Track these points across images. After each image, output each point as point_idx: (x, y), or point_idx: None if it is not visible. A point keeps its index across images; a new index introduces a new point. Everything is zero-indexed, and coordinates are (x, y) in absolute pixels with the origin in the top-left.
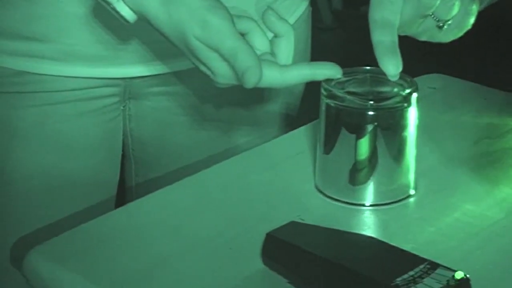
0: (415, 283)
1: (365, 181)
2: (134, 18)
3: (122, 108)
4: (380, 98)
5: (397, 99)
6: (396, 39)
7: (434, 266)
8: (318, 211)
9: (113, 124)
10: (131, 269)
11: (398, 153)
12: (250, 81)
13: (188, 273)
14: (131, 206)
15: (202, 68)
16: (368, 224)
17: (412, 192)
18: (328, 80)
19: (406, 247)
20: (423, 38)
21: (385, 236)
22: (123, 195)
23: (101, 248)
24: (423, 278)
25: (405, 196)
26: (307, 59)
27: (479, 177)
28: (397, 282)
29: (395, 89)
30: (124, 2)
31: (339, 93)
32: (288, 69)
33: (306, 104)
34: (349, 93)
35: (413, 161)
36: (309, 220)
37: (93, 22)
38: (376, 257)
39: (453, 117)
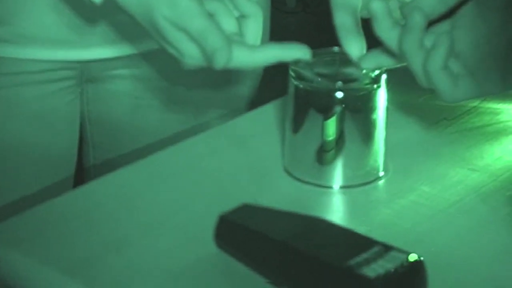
0: (369, 265)
1: (333, 161)
2: (100, 0)
3: (79, 91)
4: (349, 79)
5: (366, 80)
6: (359, 20)
7: (387, 248)
8: (285, 192)
9: (70, 107)
10: (84, 251)
11: (367, 134)
12: (219, 62)
13: (142, 255)
14: (85, 188)
15: (170, 49)
16: (327, 206)
17: (381, 174)
18: (296, 62)
19: (361, 229)
20: None
21: (339, 218)
22: (81, 178)
23: (54, 231)
24: (376, 260)
25: (374, 178)
26: (265, 40)
27: (435, 159)
28: (351, 263)
29: (364, 71)
30: None
31: (308, 74)
32: (257, 50)
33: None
34: (318, 74)
35: (382, 142)
36: (274, 202)
37: (56, 4)
38: (329, 239)
39: (410, 98)
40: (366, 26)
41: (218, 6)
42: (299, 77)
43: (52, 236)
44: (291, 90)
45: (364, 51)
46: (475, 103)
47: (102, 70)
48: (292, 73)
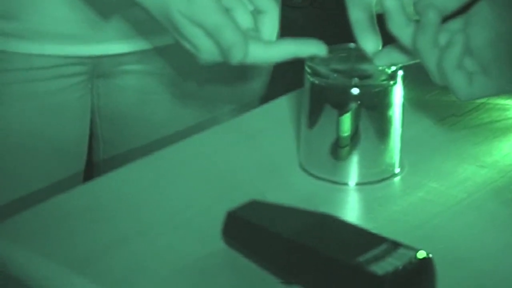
0: (377, 262)
1: (349, 157)
2: None
3: (90, 86)
4: (365, 75)
5: (383, 76)
6: (374, 16)
7: (396, 245)
8: (299, 188)
9: (80, 102)
10: (91, 247)
11: (382, 131)
12: (236, 58)
13: (150, 251)
14: (92, 184)
15: (186, 44)
16: (339, 202)
17: (397, 170)
18: (312, 58)
19: (369, 226)
20: None
21: (351, 214)
22: (91, 173)
23: (61, 227)
24: (385, 257)
25: (390, 175)
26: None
27: (443, 156)
28: (359, 260)
29: (380, 67)
30: None
31: (324, 70)
32: (272, 45)
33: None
34: (333, 70)
35: (398, 139)
36: (288, 198)
37: (68, 0)
38: (338, 236)
39: (418, 95)
40: (380, 21)
41: (234, 2)
42: (315, 73)
43: (59, 232)
44: (306, 86)
45: (380, 47)
46: (484, 99)
47: (113, 65)
48: (308, 69)
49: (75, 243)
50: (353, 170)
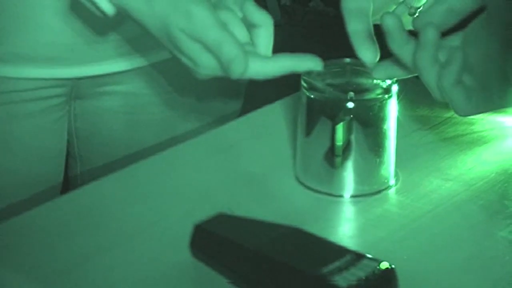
0: (341, 273)
1: (344, 167)
2: (113, 12)
3: (67, 108)
4: (360, 89)
5: (378, 90)
6: (371, 26)
7: (359, 256)
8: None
9: (58, 124)
10: (61, 262)
11: (377, 144)
12: (236, 72)
13: (120, 264)
14: (63, 199)
15: (184, 59)
16: (303, 214)
17: (392, 182)
18: (308, 72)
19: (335, 238)
20: None
21: (313, 227)
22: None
23: (30, 243)
24: (348, 268)
25: (384, 187)
26: None
27: (410, 169)
28: (323, 272)
29: (375, 81)
30: None
31: (320, 85)
32: (270, 60)
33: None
34: (329, 85)
35: (393, 152)
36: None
37: (50, 23)
38: (303, 248)
39: None
40: (376, 32)
41: (230, 16)
42: (311, 88)
43: (27, 249)
44: (303, 100)
45: (378, 57)
46: (449, 113)
47: (91, 87)
48: (304, 84)
49: (46, 257)
50: (348, 182)
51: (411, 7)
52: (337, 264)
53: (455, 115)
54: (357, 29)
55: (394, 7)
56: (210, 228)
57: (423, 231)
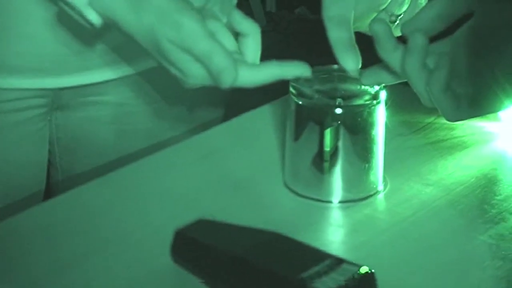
0: (320, 278)
1: (332, 172)
2: (100, 22)
3: (48, 118)
4: (348, 95)
5: (366, 96)
6: (353, 34)
7: (339, 261)
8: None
9: (39, 134)
10: (41, 269)
11: (366, 150)
12: (226, 82)
13: (100, 271)
14: (42, 206)
15: (172, 70)
16: (281, 220)
17: (380, 188)
18: (296, 79)
19: (315, 243)
20: None
21: (293, 232)
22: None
23: (9, 250)
24: (328, 273)
25: (373, 192)
26: None
27: (390, 174)
28: (303, 276)
29: (363, 87)
30: (92, 7)
31: (308, 91)
32: (259, 68)
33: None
34: (317, 91)
35: (381, 157)
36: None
37: (32, 34)
38: (282, 253)
39: None
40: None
41: (218, 26)
42: (300, 94)
43: (5, 256)
44: (292, 107)
45: (360, 65)
46: (431, 119)
47: (75, 97)
48: (293, 90)
49: (28, 264)
50: (336, 188)
51: (392, 14)
52: (316, 269)
53: (436, 120)
54: (338, 37)
55: (375, 14)
56: (190, 233)
57: (404, 236)
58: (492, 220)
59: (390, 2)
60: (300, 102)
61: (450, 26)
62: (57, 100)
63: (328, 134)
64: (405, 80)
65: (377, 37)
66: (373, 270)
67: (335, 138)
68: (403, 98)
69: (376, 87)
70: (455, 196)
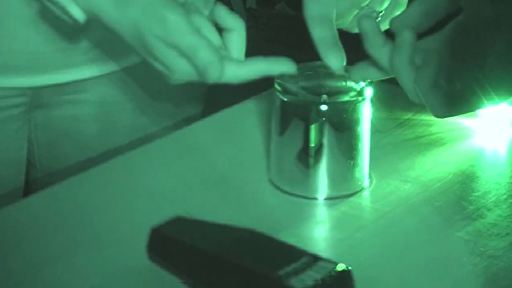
0: (297, 275)
1: (318, 168)
2: (84, 19)
3: (27, 117)
4: (333, 92)
5: (351, 93)
6: (336, 32)
7: (316, 259)
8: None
9: (18, 133)
10: (16, 268)
11: (351, 146)
12: (212, 77)
13: (76, 269)
14: (18, 205)
15: (157, 65)
16: (265, 217)
17: (366, 184)
18: (281, 76)
19: (291, 240)
20: (356, 31)
21: (269, 229)
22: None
23: None
24: (305, 270)
25: (359, 189)
26: None
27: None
28: (279, 274)
29: (348, 84)
30: (76, 3)
31: (293, 88)
32: (244, 64)
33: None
34: (302, 87)
35: (367, 154)
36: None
37: (12, 31)
38: (259, 250)
39: None
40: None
41: (202, 21)
42: (285, 91)
43: None
44: (276, 103)
45: (344, 62)
46: (409, 115)
47: (55, 95)
48: (278, 87)
49: (3, 262)
50: (322, 185)
51: (373, 11)
52: (293, 266)
53: (413, 117)
54: (321, 35)
55: (357, 11)
56: (166, 231)
57: (381, 233)
58: (470, 216)
59: None
60: (285, 99)
61: (438, 23)
62: (36, 98)
63: (313, 129)
64: (393, 76)
65: (365, 33)
66: (350, 267)
67: (320, 134)
68: (381, 95)
69: (362, 84)
70: (433, 193)
